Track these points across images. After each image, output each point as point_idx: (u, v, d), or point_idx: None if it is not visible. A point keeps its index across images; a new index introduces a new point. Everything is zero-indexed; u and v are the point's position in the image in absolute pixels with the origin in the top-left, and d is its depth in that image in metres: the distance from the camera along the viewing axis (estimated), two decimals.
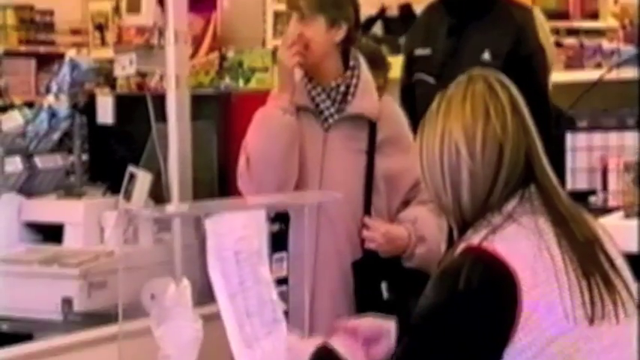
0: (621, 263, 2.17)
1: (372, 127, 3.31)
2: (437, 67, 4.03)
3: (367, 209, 3.28)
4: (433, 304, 2.09)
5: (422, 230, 3.25)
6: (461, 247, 2.10)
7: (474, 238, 2.08)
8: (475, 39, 4.07)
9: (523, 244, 2.06)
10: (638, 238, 3.10)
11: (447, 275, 2.08)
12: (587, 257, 2.10)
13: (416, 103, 4.00)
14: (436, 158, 2.16)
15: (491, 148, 2.12)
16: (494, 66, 3.98)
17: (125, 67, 4.14)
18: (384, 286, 3.27)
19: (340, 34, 3.30)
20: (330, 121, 3.29)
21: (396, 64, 5.19)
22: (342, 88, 3.29)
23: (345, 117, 3.29)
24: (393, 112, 3.41)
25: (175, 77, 3.72)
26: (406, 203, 3.34)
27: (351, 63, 3.33)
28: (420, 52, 4.17)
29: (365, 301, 3.24)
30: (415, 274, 3.23)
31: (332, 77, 3.29)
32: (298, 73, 3.33)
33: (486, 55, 4.04)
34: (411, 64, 4.22)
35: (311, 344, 2.35)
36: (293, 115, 3.22)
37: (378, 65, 4.49)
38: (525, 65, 4.07)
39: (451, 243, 2.21)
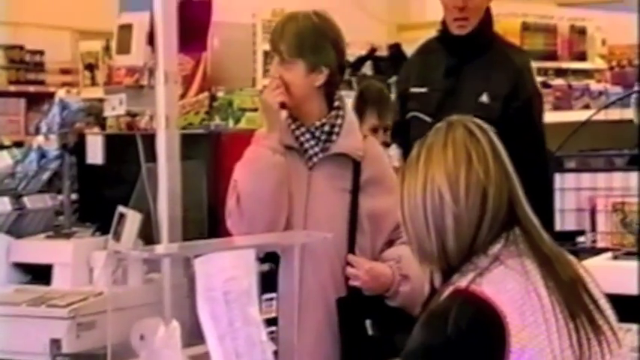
0: (604, 303, 2.18)
1: (357, 166, 3.32)
2: (433, 105, 4.04)
3: (351, 248, 3.28)
4: (422, 345, 2.08)
5: (406, 269, 3.25)
6: (448, 290, 2.10)
7: (462, 281, 2.09)
8: (473, 80, 4.08)
9: (510, 286, 2.06)
10: (638, 279, 3.11)
11: (435, 317, 2.08)
12: (573, 298, 2.10)
13: (410, 140, 4.01)
14: (419, 205, 2.16)
15: (474, 193, 2.14)
16: (493, 108, 4.01)
17: (115, 107, 4.15)
18: (368, 323, 3.27)
19: (320, 78, 3.31)
20: (315, 159, 3.30)
21: None
22: (327, 128, 3.30)
23: (329, 156, 3.30)
24: (377, 152, 3.42)
25: (165, 117, 3.72)
26: (390, 243, 3.35)
27: (336, 104, 3.35)
28: (415, 90, 4.18)
29: (350, 338, 3.24)
30: (399, 313, 3.25)
31: (315, 118, 3.30)
32: (283, 114, 3.35)
33: (485, 98, 4.05)
34: (406, 102, 4.23)
35: None
36: (282, 154, 3.24)
37: (385, 105, 4.63)
38: (524, 109, 4.09)
39: (432, 289, 2.22)
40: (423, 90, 4.16)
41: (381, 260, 3.31)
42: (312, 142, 3.30)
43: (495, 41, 4.26)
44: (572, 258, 2.23)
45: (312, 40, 3.32)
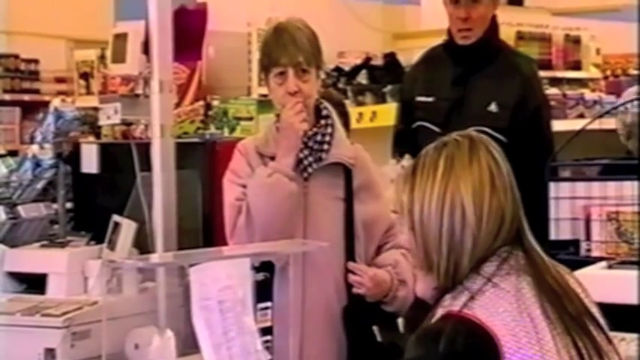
0: (596, 312, 2.18)
1: (348, 173, 3.33)
2: (442, 115, 4.04)
3: (350, 255, 3.29)
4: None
5: (402, 274, 3.28)
6: (439, 313, 2.09)
7: (454, 305, 2.08)
8: (482, 89, 4.08)
9: (502, 309, 2.06)
10: (638, 289, 3.10)
11: (428, 338, 2.06)
12: (574, 321, 2.10)
13: (417, 150, 4.00)
14: (433, 215, 2.15)
15: (495, 217, 2.14)
16: (502, 117, 4.01)
17: (110, 116, 4.14)
18: (376, 329, 3.28)
19: (319, 83, 3.33)
20: (310, 170, 3.30)
21: (382, 112, 5.21)
22: (319, 138, 3.30)
23: (323, 166, 3.29)
24: (365, 158, 3.43)
25: (160, 126, 3.72)
26: (379, 248, 3.36)
27: (324, 112, 3.34)
28: (422, 99, 4.18)
29: (360, 345, 3.24)
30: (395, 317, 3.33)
31: (309, 127, 3.29)
32: (273, 121, 3.33)
33: (493, 107, 4.06)
34: (411, 111, 4.21)
35: None
36: (294, 179, 3.22)
37: (344, 114, 4.40)
38: (533, 118, 4.10)
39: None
40: (430, 99, 4.16)
41: (376, 266, 3.32)
42: (306, 152, 3.29)
43: (502, 49, 4.27)
44: (562, 268, 2.23)
45: (319, 46, 3.32)
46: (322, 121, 3.32)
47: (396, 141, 4.31)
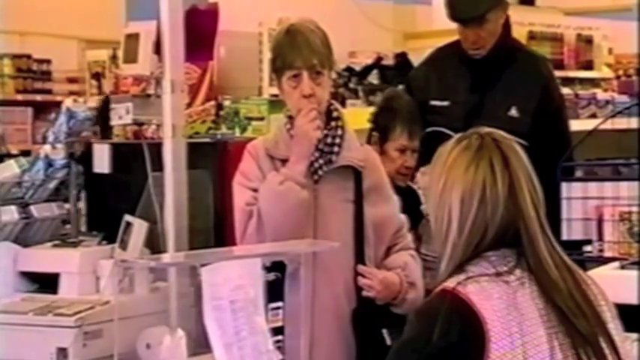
0: (613, 328, 2.20)
1: (358, 175, 3.31)
2: (459, 120, 3.99)
3: (359, 258, 3.28)
4: (406, 342, 2.17)
5: (412, 276, 3.28)
6: (437, 289, 2.17)
7: (451, 281, 2.15)
8: (501, 94, 4.05)
9: (497, 295, 2.11)
10: (639, 289, 3.10)
11: (422, 317, 2.16)
12: (573, 324, 2.13)
13: (432, 153, 3.97)
14: (433, 209, 2.26)
15: (476, 231, 2.19)
16: (522, 122, 3.99)
17: (122, 117, 4.15)
18: (385, 332, 3.27)
19: (330, 83, 3.32)
20: (320, 172, 3.27)
21: None
22: (329, 140, 3.27)
23: (333, 168, 3.28)
24: (375, 160, 3.42)
25: (172, 126, 3.73)
26: (388, 250, 3.35)
27: (335, 114, 3.32)
28: (437, 103, 4.14)
29: (369, 349, 3.24)
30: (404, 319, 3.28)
31: (322, 135, 3.25)
32: (284, 123, 3.31)
33: (514, 112, 4.04)
34: (425, 115, 4.15)
35: None
36: (306, 187, 3.20)
37: (415, 123, 4.10)
38: (554, 119, 4.08)
39: None
40: (445, 103, 4.12)
41: (386, 268, 3.31)
42: (317, 155, 3.27)
43: (517, 50, 4.23)
44: (580, 274, 2.24)
45: (330, 48, 3.31)
46: (332, 123, 3.31)
47: None
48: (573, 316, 2.13)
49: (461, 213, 2.18)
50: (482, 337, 2.05)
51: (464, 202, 2.19)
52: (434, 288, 2.21)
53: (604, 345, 2.13)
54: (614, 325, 2.20)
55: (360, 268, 3.25)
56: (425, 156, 3.91)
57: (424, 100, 4.19)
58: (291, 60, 3.21)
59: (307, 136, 3.19)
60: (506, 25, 4.16)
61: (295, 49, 3.21)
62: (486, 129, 2.31)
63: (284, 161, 3.26)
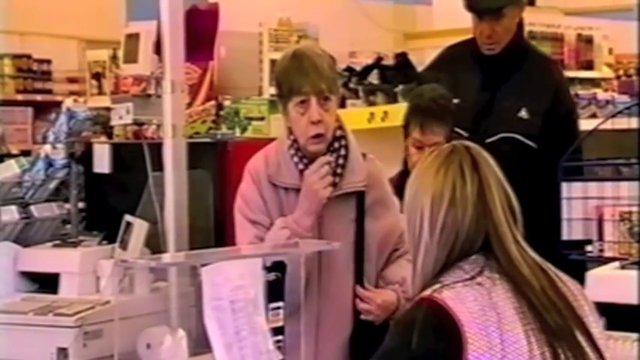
0: (592, 322, 2.21)
1: (360, 194, 3.26)
2: (469, 120, 3.98)
3: (359, 277, 3.25)
4: (385, 351, 2.18)
5: (409, 292, 3.24)
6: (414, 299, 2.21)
7: (427, 290, 2.18)
8: (511, 95, 4.03)
9: (472, 298, 2.14)
10: (639, 289, 3.10)
11: (400, 326, 2.19)
12: (560, 341, 2.14)
13: None
14: (405, 215, 2.31)
15: (448, 233, 2.23)
16: (533, 123, 3.98)
17: (122, 117, 4.15)
18: None
19: (336, 107, 3.26)
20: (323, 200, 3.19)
21: (393, 113, 5.17)
22: (333, 163, 3.19)
23: (337, 195, 3.21)
24: (378, 173, 3.35)
25: (172, 126, 3.73)
26: (389, 256, 3.34)
27: (338, 132, 3.24)
28: None
29: None
30: None
31: (321, 152, 3.20)
32: (287, 146, 3.23)
33: (524, 113, 4.02)
34: None
35: None
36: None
37: (431, 116, 3.81)
38: (564, 122, 4.07)
39: None
40: (455, 102, 4.11)
41: (384, 281, 3.29)
42: None
43: (529, 52, 4.22)
44: (554, 272, 2.26)
45: (336, 72, 3.26)
46: (336, 144, 3.22)
47: None
48: (546, 312, 2.16)
49: (431, 214, 2.23)
50: (459, 339, 2.08)
51: (434, 203, 2.23)
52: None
53: (581, 339, 2.16)
54: (593, 319, 2.22)
55: (359, 291, 3.22)
56: None
57: None
58: (299, 85, 3.11)
59: (317, 195, 3.13)
60: (520, 26, 4.15)
61: (303, 75, 3.11)
62: (461, 142, 2.36)
63: (286, 189, 3.21)
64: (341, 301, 3.23)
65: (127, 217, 3.93)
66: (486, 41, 4.06)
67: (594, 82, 8.95)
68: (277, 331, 2.71)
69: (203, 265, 2.53)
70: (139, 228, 3.85)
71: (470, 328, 2.09)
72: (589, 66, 9.03)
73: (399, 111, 4.42)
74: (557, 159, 3.83)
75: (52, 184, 4.32)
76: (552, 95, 4.07)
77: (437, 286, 2.17)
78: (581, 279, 2.65)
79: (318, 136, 3.15)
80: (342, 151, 3.23)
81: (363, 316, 3.22)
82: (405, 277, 3.24)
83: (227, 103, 4.63)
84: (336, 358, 3.23)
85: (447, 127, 3.77)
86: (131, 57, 4.03)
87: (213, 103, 4.62)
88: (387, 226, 3.30)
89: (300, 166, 3.20)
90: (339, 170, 3.21)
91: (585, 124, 4.90)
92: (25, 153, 6.03)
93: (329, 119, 3.15)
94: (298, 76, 3.11)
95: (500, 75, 4.07)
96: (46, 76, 8.82)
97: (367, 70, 6.95)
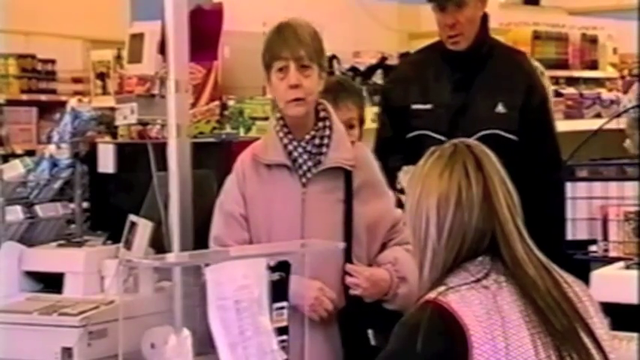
0: (597, 322, 2.21)
1: (348, 175, 3.29)
2: (445, 123, 3.95)
3: (348, 257, 3.26)
4: (389, 353, 2.18)
5: (402, 271, 3.24)
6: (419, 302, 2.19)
7: (432, 293, 2.17)
8: (485, 92, 4.02)
9: (477, 301, 2.13)
10: (639, 289, 3.09)
11: (405, 328, 2.17)
12: (565, 343, 2.13)
13: (417, 159, 3.96)
14: (409, 219, 2.29)
15: (455, 236, 2.21)
16: (510, 117, 3.97)
17: (126, 116, 4.15)
18: (370, 333, 3.26)
19: (322, 84, 3.29)
20: (309, 175, 3.26)
21: None
22: (317, 141, 3.26)
23: (322, 170, 3.26)
24: (366, 157, 3.39)
25: (176, 126, 3.73)
26: (383, 246, 3.34)
27: (322, 114, 3.30)
28: (418, 107, 4.07)
29: (353, 349, 3.23)
30: (397, 316, 3.26)
31: (307, 130, 3.26)
32: (274, 124, 3.29)
33: (501, 108, 4.01)
34: (404, 119, 4.12)
35: None
36: None
37: (360, 106, 4.04)
38: (539, 113, 4.06)
39: None
40: (428, 107, 4.06)
41: (377, 264, 3.29)
42: (305, 157, 3.25)
43: (496, 47, 4.21)
44: (559, 274, 2.25)
45: (321, 45, 3.30)
46: (320, 124, 3.28)
47: (383, 149, 4.06)
48: (551, 314, 2.15)
49: (438, 217, 2.21)
50: (464, 343, 2.07)
51: (440, 206, 2.22)
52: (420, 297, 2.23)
53: (586, 340, 2.15)
54: (598, 320, 2.21)
55: (347, 266, 3.23)
56: (410, 159, 3.89)
57: (404, 105, 4.12)
58: (278, 51, 3.22)
59: (318, 313, 3.17)
60: (485, 22, 4.13)
61: (282, 41, 3.22)
62: (460, 140, 2.34)
63: (268, 166, 3.25)
64: (329, 279, 3.22)
65: (132, 217, 3.93)
66: (450, 32, 4.02)
67: (599, 82, 8.94)
68: (281, 330, 2.71)
69: (207, 265, 2.53)
70: (144, 228, 3.85)
71: (475, 331, 2.08)
72: (593, 66, 9.02)
73: None
74: (536, 150, 3.82)
75: (57, 184, 4.33)
76: (525, 87, 4.06)
77: (442, 288, 2.16)
78: (585, 279, 2.65)
79: (297, 100, 3.20)
80: (327, 131, 3.28)
81: (351, 291, 3.21)
82: (397, 256, 3.25)
83: (231, 103, 4.63)
84: (321, 335, 3.22)
85: (359, 103, 4.00)
86: (135, 57, 4.03)
87: (217, 103, 4.63)
88: (377, 211, 3.30)
89: (285, 141, 3.26)
90: (323, 149, 3.26)
91: (590, 124, 4.89)
92: (30, 153, 6.04)
93: (309, 85, 3.20)
94: (278, 43, 3.23)
95: (471, 73, 4.05)
96: (51, 76, 8.83)
97: (371, 70, 6.95)
